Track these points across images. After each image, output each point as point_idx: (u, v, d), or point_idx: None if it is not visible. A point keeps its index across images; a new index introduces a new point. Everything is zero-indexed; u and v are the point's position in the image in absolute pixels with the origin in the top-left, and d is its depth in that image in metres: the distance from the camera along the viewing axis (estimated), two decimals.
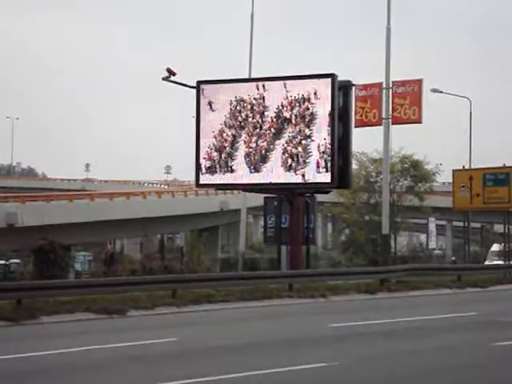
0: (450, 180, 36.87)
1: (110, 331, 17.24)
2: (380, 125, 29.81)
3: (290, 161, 27.92)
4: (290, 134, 27.97)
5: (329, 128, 27.43)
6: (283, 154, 27.98)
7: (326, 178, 27.57)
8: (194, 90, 29.23)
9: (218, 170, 28.77)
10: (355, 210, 50.43)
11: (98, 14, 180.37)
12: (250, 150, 28.41)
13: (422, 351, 14.05)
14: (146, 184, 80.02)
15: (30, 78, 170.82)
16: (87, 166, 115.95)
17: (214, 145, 28.81)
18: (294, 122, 27.91)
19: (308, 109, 27.73)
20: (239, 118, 28.62)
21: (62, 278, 34.26)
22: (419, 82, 29.39)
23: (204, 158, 28.92)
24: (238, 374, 11.45)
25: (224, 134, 28.71)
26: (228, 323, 18.93)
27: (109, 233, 48.16)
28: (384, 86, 29.50)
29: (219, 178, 28.99)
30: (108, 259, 41.85)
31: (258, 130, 28.37)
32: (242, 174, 28.53)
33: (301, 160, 27.80)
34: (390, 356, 13.48)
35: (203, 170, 29.00)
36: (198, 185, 30.62)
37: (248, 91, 28.58)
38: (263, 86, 28.44)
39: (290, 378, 11.51)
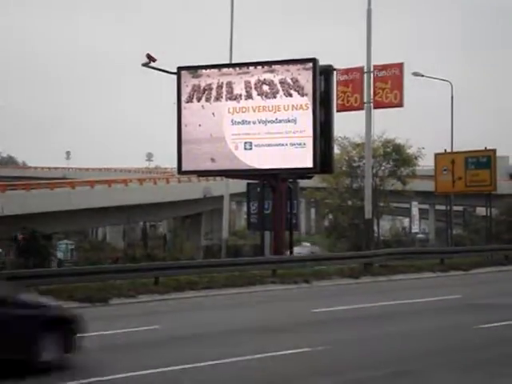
0: (433, 164, 36.86)
1: (92, 319, 17.00)
2: (362, 109, 29.77)
3: (272, 145, 27.85)
4: (272, 119, 27.87)
5: (310, 113, 27.36)
6: (265, 138, 27.90)
7: (308, 163, 27.51)
8: (175, 76, 29.05)
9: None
10: (338, 194, 50.40)
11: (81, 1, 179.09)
12: (233, 136, 28.30)
13: (406, 335, 14.07)
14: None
15: (7, 66, 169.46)
16: (68, 153, 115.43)
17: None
18: (276, 106, 27.79)
19: (290, 94, 27.63)
20: (221, 103, 28.45)
21: (43, 266, 34.00)
22: (400, 65, 29.37)
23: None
24: (221, 361, 11.40)
25: (205, 120, 28.57)
26: (211, 310, 18.87)
27: (90, 221, 47.96)
28: (365, 70, 29.44)
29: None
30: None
31: (241, 114, 28.24)
32: (224, 158, 28.44)
33: (283, 144, 27.73)
34: (374, 340, 13.47)
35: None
36: (180, 172, 30.49)
37: (229, 76, 28.42)
38: (245, 71, 28.30)
39: (275, 364, 11.46)
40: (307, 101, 27.48)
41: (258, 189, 30.37)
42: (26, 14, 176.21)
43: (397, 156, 48.78)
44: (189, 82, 28.71)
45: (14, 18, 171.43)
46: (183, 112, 28.79)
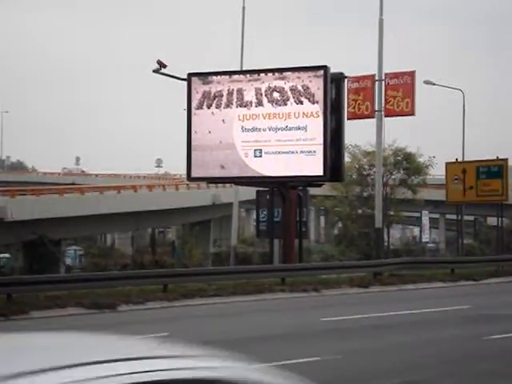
0: (444, 173, 36.69)
1: (100, 326, 17.01)
2: (373, 117, 29.67)
3: (282, 152, 27.75)
4: (283, 126, 27.78)
5: (321, 120, 27.26)
6: (276, 145, 27.81)
7: (318, 170, 27.40)
8: (185, 83, 29.01)
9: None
10: (348, 203, 50.27)
11: (91, 6, 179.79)
12: (243, 143, 28.22)
13: (415, 344, 13.91)
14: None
15: (18, 71, 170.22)
16: (77, 159, 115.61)
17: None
18: (286, 113, 27.71)
19: (300, 101, 27.55)
20: (231, 110, 28.38)
21: (52, 272, 33.98)
22: (412, 73, 29.27)
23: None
24: None
25: (215, 126, 28.51)
26: (220, 318, 18.74)
27: (99, 227, 47.91)
28: (376, 77, 29.33)
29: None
30: None
31: (251, 121, 28.18)
32: (234, 165, 28.36)
33: (293, 151, 27.63)
34: (383, 350, 13.32)
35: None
36: (189, 178, 30.42)
37: (240, 83, 28.36)
38: (255, 78, 28.24)
39: None
40: (318, 108, 27.38)
41: (268, 196, 30.26)
42: (40, 20, 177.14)
43: (407, 165, 48.63)
44: (199, 88, 28.66)
45: (28, 20, 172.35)
46: (193, 118, 28.74)
